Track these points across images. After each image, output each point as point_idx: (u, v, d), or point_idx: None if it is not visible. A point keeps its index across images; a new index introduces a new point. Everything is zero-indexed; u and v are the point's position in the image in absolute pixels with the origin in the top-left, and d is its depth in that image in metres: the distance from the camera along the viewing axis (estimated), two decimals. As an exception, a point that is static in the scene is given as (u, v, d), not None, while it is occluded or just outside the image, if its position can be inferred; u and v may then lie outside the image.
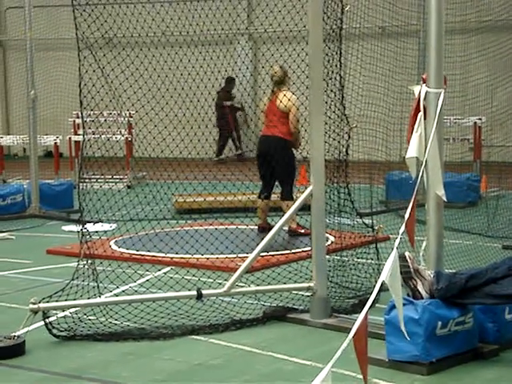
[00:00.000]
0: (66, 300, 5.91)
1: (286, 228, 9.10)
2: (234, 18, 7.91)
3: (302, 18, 6.69)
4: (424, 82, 5.19)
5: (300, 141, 9.07)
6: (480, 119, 13.33)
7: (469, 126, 13.41)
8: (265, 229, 9.17)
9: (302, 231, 9.18)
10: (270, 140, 9.30)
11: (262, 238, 6.22)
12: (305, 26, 6.13)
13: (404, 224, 4.69)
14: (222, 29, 8.12)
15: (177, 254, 7.77)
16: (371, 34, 12.65)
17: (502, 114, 15.25)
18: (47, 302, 5.77)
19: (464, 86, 14.06)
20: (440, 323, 4.84)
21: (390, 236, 8.56)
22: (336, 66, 6.60)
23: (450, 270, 5.56)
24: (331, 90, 6.61)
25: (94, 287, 6.22)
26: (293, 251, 8.24)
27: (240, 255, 7.66)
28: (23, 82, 13.09)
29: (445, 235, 5.36)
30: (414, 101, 5.24)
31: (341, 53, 6.64)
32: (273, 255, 7.87)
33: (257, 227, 9.37)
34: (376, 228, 7.73)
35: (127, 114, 14.66)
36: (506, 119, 15.21)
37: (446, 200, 5.11)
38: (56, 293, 5.95)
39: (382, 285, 4.30)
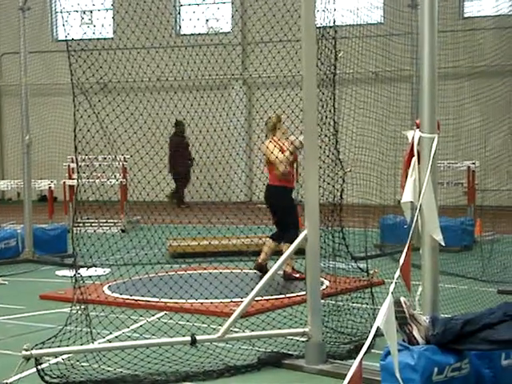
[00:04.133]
0: (58, 346, 5.85)
1: (280, 272, 9.09)
2: (228, 64, 7.99)
3: (295, 64, 6.75)
4: (417, 127, 5.22)
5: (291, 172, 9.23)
6: (474, 163, 13.40)
7: (463, 170, 13.47)
8: (261, 268, 9.21)
9: (297, 276, 9.17)
10: (267, 188, 9.49)
11: (257, 282, 6.19)
12: (299, 72, 6.18)
13: (399, 268, 4.67)
14: (217, 74, 8.18)
15: (171, 298, 7.73)
16: (364, 79, 12.76)
17: (496, 158, 15.33)
18: (40, 348, 5.71)
19: (457, 130, 14.15)
20: (436, 369, 4.79)
21: (385, 280, 8.53)
22: (330, 110, 6.64)
23: (446, 315, 5.52)
24: (325, 135, 6.65)
25: (87, 333, 6.16)
26: (287, 296, 8.20)
27: (234, 300, 7.62)
28: (18, 127, 13.12)
29: (440, 280, 5.34)
30: (407, 146, 5.26)
31: (334, 98, 6.68)
32: (267, 300, 7.82)
33: (254, 265, 9.40)
34: (371, 272, 7.70)
35: (122, 159, 14.72)
36: (499, 163, 15.28)
37: (443, 244, 5.10)
38: (49, 339, 5.89)
39: (377, 330, 4.28)
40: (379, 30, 14.02)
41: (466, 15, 18.85)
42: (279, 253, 9.35)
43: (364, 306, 7.11)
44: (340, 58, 6.76)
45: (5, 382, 5.40)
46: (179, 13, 20.78)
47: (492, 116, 15.56)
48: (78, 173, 9.82)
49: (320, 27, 6.42)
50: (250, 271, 9.36)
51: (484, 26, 16.67)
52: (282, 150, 9.21)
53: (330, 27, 6.54)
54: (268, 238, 9.64)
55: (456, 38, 15.00)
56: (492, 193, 14.69)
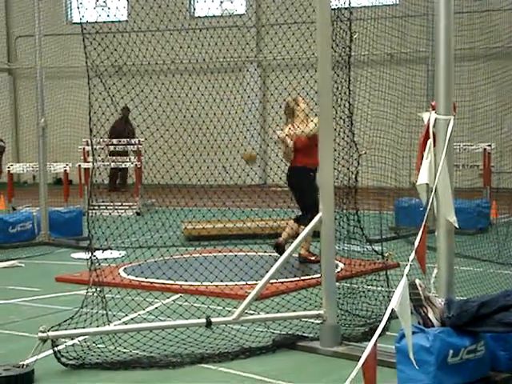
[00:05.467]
0: (74, 328, 5.89)
1: (296, 255, 9.10)
2: (243, 46, 7.97)
3: (310, 46, 6.72)
4: (433, 109, 5.19)
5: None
6: (490, 145, 13.32)
7: (478, 152, 13.40)
8: (279, 246, 9.23)
9: (312, 258, 9.17)
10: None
11: (272, 265, 6.20)
12: (313, 54, 6.15)
13: (414, 251, 4.67)
14: (231, 56, 8.16)
15: (186, 281, 7.76)
16: (380, 61, 12.69)
17: (512, 140, 15.23)
18: (56, 330, 5.74)
19: (473, 112, 14.08)
20: (451, 351, 4.79)
21: (400, 263, 8.51)
22: (345, 93, 6.61)
23: (461, 298, 5.52)
24: (340, 117, 6.62)
25: (102, 315, 6.19)
26: (302, 278, 8.21)
27: (249, 282, 7.63)
28: (33, 110, 13.16)
29: (455, 262, 5.33)
30: (423, 128, 5.23)
31: (349, 80, 6.65)
32: (282, 282, 7.83)
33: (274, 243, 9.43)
34: (386, 255, 7.69)
35: (136, 142, 14.75)
36: (515, 145, 15.18)
37: (458, 226, 5.09)
38: (65, 321, 5.92)
39: (392, 312, 4.28)
40: (395, 11, 13.93)
41: (482, -4, 18.67)
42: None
43: (379, 288, 7.10)
44: (355, 39, 6.72)
45: (22, 363, 5.44)
46: (193, -5, 20.73)
47: (508, 98, 15.45)
48: (93, 156, 9.85)
49: (335, 9, 6.38)
50: (265, 254, 9.37)
51: (500, 7, 16.53)
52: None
53: (345, 9, 6.51)
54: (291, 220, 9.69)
55: (472, 19, 14.88)
56: (508, 175, 14.61)
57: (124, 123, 17.25)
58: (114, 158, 15.35)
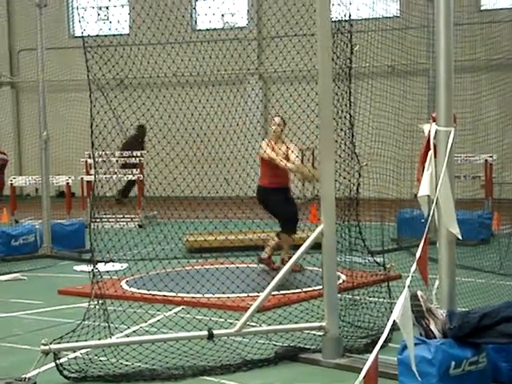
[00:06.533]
0: (77, 341, 5.89)
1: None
2: (244, 59, 7.99)
3: (311, 58, 6.74)
4: (434, 121, 5.20)
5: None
6: (491, 157, 13.33)
7: (480, 163, 13.41)
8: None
9: (273, 266, 9.44)
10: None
11: (273, 277, 6.20)
12: (314, 66, 6.18)
13: (416, 262, 4.67)
14: (233, 69, 8.20)
15: (188, 293, 7.76)
16: (380, 72, 12.74)
17: (514, 151, 15.24)
18: (58, 343, 5.75)
19: (474, 123, 14.10)
20: (453, 363, 4.79)
21: (402, 274, 8.51)
22: (346, 104, 6.63)
23: (463, 309, 5.51)
24: (341, 129, 6.64)
25: (104, 328, 6.19)
26: (304, 290, 8.20)
27: (251, 294, 7.63)
28: (36, 123, 13.19)
29: (457, 273, 5.33)
30: (424, 139, 5.25)
31: (350, 92, 6.67)
32: (284, 294, 7.83)
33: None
34: (387, 266, 7.70)
35: (138, 154, 14.76)
36: (517, 156, 15.20)
37: (460, 238, 5.09)
38: (67, 334, 5.93)
39: (394, 324, 4.28)
40: (395, 23, 13.98)
41: (482, 8, 18.75)
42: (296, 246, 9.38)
43: (381, 300, 7.10)
44: (356, 51, 6.74)
45: (24, 376, 5.45)
46: (195, 8, 20.80)
47: (509, 109, 15.48)
48: (95, 168, 9.86)
49: (335, 21, 6.41)
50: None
51: (500, 19, 16.58)
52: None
53: (346, 21, 6.53)
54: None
55: (473, 30, 14.93)
56: (509, 186, 14.61)
57: (136, 141, 17.22)
58: (126, 170, 15.33)
